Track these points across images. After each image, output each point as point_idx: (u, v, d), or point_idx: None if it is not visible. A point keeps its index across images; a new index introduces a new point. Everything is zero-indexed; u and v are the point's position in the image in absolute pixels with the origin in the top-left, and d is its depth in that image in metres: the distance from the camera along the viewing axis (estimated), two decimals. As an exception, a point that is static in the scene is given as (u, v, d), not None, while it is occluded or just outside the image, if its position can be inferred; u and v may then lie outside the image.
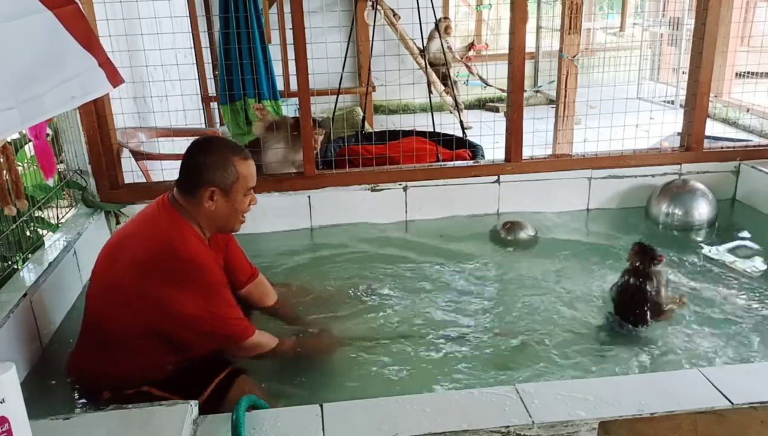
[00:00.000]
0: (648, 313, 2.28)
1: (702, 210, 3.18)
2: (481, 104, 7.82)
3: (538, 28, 7.93)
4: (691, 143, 3.43)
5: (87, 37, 1.54)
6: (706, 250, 2.95)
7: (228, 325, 1.88)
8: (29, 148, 2.67)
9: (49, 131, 2.67)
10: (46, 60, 1.46)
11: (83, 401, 1.95)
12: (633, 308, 2.30)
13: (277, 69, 3.92)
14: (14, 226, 2.41)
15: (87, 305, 1.97)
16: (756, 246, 2.97)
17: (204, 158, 1.89)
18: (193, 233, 1.90)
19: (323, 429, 1.47)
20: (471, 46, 6.75)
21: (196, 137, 2.03)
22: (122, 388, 1.85)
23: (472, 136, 4.53)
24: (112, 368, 1.87)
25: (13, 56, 1.39)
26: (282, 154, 3.28)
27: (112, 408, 1.56)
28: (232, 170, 1.89)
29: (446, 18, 6.38)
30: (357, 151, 3.80)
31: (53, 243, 2.61)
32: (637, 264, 2.32)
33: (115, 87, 1.61)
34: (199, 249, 1.88)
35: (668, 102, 6.97)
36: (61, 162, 2.99)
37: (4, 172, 1.99)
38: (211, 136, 2.00)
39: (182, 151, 1.98)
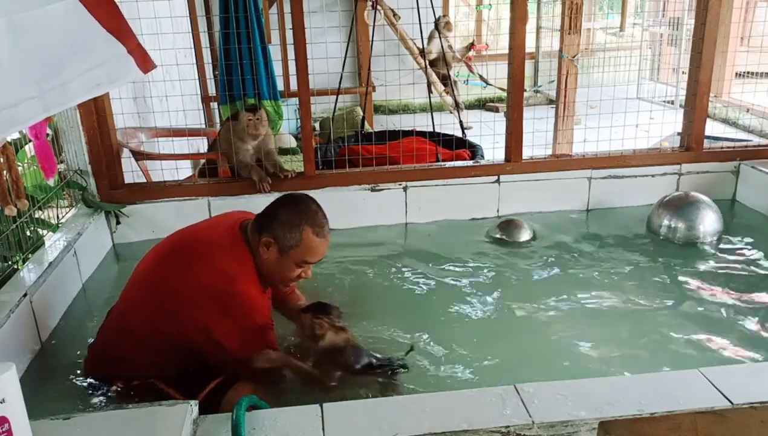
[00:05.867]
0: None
1: (707, 222, 3.03)
2: (481, 104, 7.82)
3: (538, 28, 7.92)
4: (691, 143, 3.43)
5: (115, 22, 1.51)
6: (712, 259, 2.90)
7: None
8: (29, 148, 2.67)
9: (49, 131, 2.67)
10: (71, 47, 1.44)
11: (93, 387, 1.98)
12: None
13: (277, 69, 3.92)
14: (14, 226, 2.41)
15: (129, 293, 2.01)
16: (758, 250, 2.96)
17: (282, 212, 1.92)
18: (253, 272, 1.93)
19: (323, 429, 1.47)
20: (471, 46, 6.75)
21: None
22: (132, 377, 1.91)
23: (472, 136, 4.53)
24: (130, 355, 1.92)
25: (39, 44, 1.39)
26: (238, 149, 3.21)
27: (113, 408, 1.57)
28: (296, 236, 1.90)
29: (445, 15, 6.38)
30: (357, 151, 3.80)
31: (53, 243, 2.61)
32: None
33: (146, 73, 1.57)
34: (254, 291, 1.92)
35: (668, 102, 6.96)
36: (62, 162, 2.99)
37: (4, 172, 1.98)
38: (305, 197, 2.00)
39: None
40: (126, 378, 1.93)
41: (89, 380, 2.02)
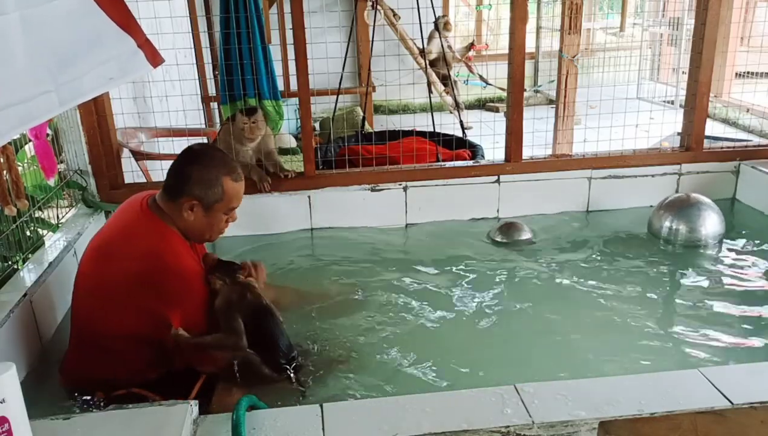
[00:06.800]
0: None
1: (709, 224, 2.99)
2: (481, 104, 7.82)
3: (538, 28, 7.93)
4: (691, 143, 3.42)
5: (125, 18, 1.54)
6: (713, 262, 2.89)
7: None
8: (29, 148, 2.67)
9: (49, 131, 2.67)
10: (84, 42, 1.46)
11: (78, 401, 1.94)
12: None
13: (277, 69, 3.93)
14: (14, 226, 2.41)
15: (77, 309, 1.97)
16: (759, 251, 2.95)
17: (194, 170, 1.87)
18: (179, 241, 1.91)
19: (323, 429, 1.47)
20: (471, 46, 6.75)
21: (192, 144, 2.01)
22: (112, 390, 1.86)
23: (472, 136, 4.53)
24: (103, 370, 1.88)
25: (52, 39, 1.39)
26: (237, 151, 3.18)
27: (113, 408, 1.56)
28: (218, 190, 1.88)
29: (444, 15, 6.38)
30: (357, 151, 3.80)
31: (53, 243, 2.61)
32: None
33: (155, 67, 1.60)
34: (186, 260, 1.89)
35: (668, 102, 6.96)
36: (62, 162, 2.98)
37: (4, 172, 1.98)
38: (207, 147, 1.95)
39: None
40: (107, 389, 1.87)
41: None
